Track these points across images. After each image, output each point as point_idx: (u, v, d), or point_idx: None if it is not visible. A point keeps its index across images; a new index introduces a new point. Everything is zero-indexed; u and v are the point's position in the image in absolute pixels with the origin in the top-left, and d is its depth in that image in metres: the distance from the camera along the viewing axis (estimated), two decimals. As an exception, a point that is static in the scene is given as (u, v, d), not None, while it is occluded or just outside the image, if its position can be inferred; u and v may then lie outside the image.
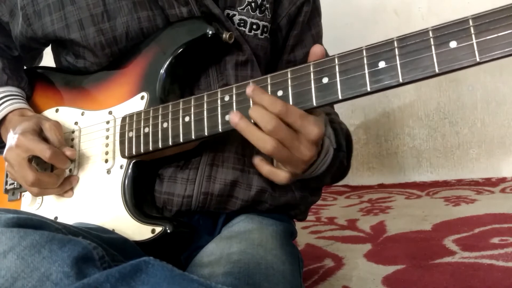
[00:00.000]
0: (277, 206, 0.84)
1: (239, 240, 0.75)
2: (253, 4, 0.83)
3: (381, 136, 2.32)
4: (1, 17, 0.92)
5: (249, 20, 0.83)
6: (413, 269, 1.04)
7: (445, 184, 2.08)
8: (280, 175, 0.67)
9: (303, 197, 0.87)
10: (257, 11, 0.83)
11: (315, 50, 0.65)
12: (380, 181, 2.30)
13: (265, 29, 0.84)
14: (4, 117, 0.87)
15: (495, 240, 1.16)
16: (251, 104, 0.66)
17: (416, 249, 1.18)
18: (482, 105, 2.12)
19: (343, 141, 0.83)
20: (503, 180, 2.00)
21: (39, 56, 1.04)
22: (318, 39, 0.93)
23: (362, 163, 2.36)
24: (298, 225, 0.98)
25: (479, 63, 0.52)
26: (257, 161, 0.70)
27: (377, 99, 2.29)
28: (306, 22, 0.90)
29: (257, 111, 0.63)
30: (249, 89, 0.65)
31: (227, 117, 0.68)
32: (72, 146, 0.85)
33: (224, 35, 0.77)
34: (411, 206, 1.75)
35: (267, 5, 0.84)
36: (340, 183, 2.36)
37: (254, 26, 0.83)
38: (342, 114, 2.56)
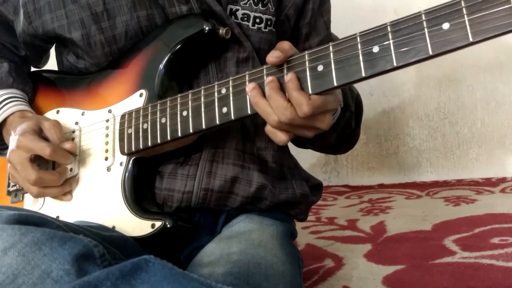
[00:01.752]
0: (277, 203, 0.84)
1: (239, 240, 0.75)
2: None
3: (381, 136, 2.32)
4: (7, 15, 0.93)
5: (252, 14, 0.83)
6: (413, 269, 1.04)
7: (445, 184, 2.08)
8: (279, 135, 0.66)
9: (303, 196, 0.88)
10: (260, 5, 0.83)
11: (269, 61, 0.65)
12: (380, 181, 2.30)
13: (269, 23, 0.84)
14: (6, 119, 0.88)
15: (495, 240, 1.16)
16: (247, 96, 0.66)
17: (416, 249, 1.18)
18: (482, 105, 2.12)
19: (351, 102, 0.83)
20: (503, 180, 2.00)
21: (46, 55, 1.04)
22: (329, 25, 0.93)
23: (362, 163, 2.37)
24: (298, 225, 0.98)
25: (472, 43, 0.52)
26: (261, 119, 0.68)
27: (377, 99, 2.29)
28: (317, 9, 0.89)
29: (276, 102, 0.63)
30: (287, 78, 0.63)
31: (224, 109, 0.68)
32: None
33: (220, 31, 0.78)
34: (411, 206, 1.75)
35: None
36: (340, 183, 2.38)
37: (257, 20, 0.83)
38: (342, 114, 2.50)
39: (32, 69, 1.03)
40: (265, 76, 0.66)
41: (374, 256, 1.17)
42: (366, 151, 2.36)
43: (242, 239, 0.76)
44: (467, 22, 0.52)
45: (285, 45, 0.67)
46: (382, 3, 2.26)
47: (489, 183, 1.96)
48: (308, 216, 0.96)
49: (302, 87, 0.63)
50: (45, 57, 1.04)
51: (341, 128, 0.80)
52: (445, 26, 0.53)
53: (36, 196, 0.83)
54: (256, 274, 0.67)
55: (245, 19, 0.83)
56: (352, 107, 0.82)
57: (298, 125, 0.64)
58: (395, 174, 2.28)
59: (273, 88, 0.64)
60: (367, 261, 1.14)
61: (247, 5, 0.83)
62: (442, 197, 1.81)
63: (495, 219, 1.37)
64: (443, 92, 2.18)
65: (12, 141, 0.80)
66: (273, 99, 0.63)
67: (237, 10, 0.83)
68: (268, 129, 0.66)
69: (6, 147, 0.89)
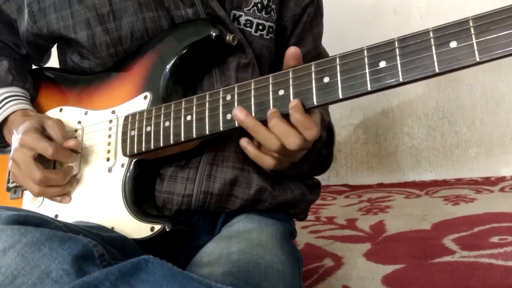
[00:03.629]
0: (277, 205, 0.84)
1: (238, 240, 0.75)
2: (259, 5, 0.84)
3: (380, 136, 2.32)
4: (10, 14, 0.92)
5: (255, 21, 0.84)
6: (412, 268, 1.05)
7: (444, 183, 2.08)
8: (267, 160, 0.69)
9: (302, 195, 0.88)
10: (263, 12, 0.84)
11: (293, 51, 0.67)
12: (379, 181, 2.30)
13: (271, 30, 0.85)
14: (7, 118, 0.87)
15: (495, 239, 1.17)
16: (252, 103, 0.66)
17: (415, 248, 1.18)
18: (481, 104, 2.12)
19: (323, 131, 0.83)
20: (502, 179, 2.00)
21: (47, 54, 1.04)
22: (317, 38, 0.94)
23: (361, 163, 2.37)
24: (298, 224, 0.98)
25: (479, 63, 0.53)
26: (245, 143, 0.71)
27: (376, 98, 2.29)
28: (309, 21, 0.91)
29: (281, 128, 0.64)
30: (292, 104, 0.64)
31: (228, 116, 0.68)
32: None
33: (227, 37, 0.78)
34: (410, 205, 1.75)
35: (273, 6, 0.85)
36: (339, 182, 2.39)
37: (260, 27, 0.84)
38: (341, 114, 2.56)
39: (34, 67, 1.03)
40: (270, 85, 0.66)
41: (373, 256, 1.17)
42: (365, 150, 2.36)
43: (241, 238, 0.76)
44: (474, 42, 0.52)
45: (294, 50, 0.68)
46: (381, 2, 2.26)
47: (488, 182, 1.97)
48: (307, 216, 0.96)
49: (307, 97, 0.63)
50: (46, 56, 1.04)
51: (313, 157, 0.81)
52: (453, 44, 0.54)
53: (37, 195, 0.82)
54: (256, 274, 0.67)
55: (248, 25, 0.83)
56: (323, 137, 0.82)
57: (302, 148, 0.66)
58: (394, 174, 2.28)
59: (276, 117, 0.64)
60: (366, 261, 1.14)
61: (251, 11, 0.83)
62: (441, 196, 1.81)
63: (494, 218, 1.37)
64: (442, 91, 2.18)
65: (15, 140, 0.79)
66: (277, 126, 0.64)
67: (241, 16, 0.83)
68: (254, 153, 0.69)
69: (7, 145, 0.89)
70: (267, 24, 0.84)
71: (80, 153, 0.84)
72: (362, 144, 2.37)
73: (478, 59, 0.52)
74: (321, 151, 0.83)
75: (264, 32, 0.84)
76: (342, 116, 2.36)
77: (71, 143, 0.80)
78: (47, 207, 0.85)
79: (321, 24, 0.95)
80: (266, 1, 0.84)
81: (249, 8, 0.83)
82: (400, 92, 2.25)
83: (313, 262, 1.15)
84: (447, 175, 2.17)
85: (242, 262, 0.69)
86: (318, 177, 0.97)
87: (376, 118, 2.32)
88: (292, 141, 0.64)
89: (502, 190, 1.82)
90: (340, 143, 2.40)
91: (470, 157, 2.14)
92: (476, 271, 0.97)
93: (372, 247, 1.25)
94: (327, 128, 0.87)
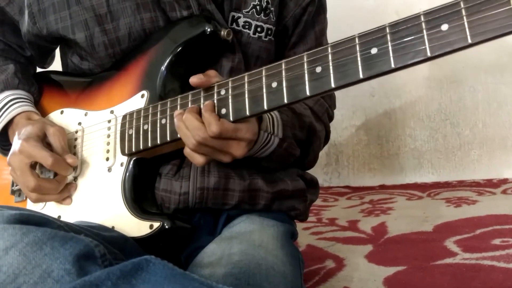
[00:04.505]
0: (274, 198, 0.84)
1: (239, 241, 0.75)
2: (258, 7, 0.84)
3: (382, 137, 2.32)
4: (13, 16, 0.93)
5: (253, 23, 0.84)
6: (414, 270, 1.04)
7: (446, 185, 2.08)
8: (196, 158, 0.71)
9: (300, 191, 0.88)
10: (262, 14, 0.84)
11: (191, 81, 0.70)
12: (381, 182, 2.30)
13: (269, 32, 0.86)
14: (13, 120, 0.88)
15: (496, 241, 1.16)
16: (246, 98, 0.67)
17: (417, 250, 1.18)
18: (483, 106, 2.12)
19: (296, 132, 0.83)
20: (504, 181, 2.00)
21: (51, 56, 1.05)
22: (320, 35, 0.94)
23: (363, 164, 2.36)
24: (299, 226, 0.98)
25: (471, 45, 0.52)
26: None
27: (378, 100, 2.29)
28: (310, 19, 0.91)
29: (191, 122, 0.68)
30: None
31: (223, 111, 0.68)
32: (75, 146, 0.86)
33: (222, 32, 0.79)
34: (412, 207, 1.75)
35: (272, 9, 0.86)
36: (341, 184, 2.39)
37: (259, 29, 0.84)
38: (343, 115, 2.55)
39: (38, 69, 1.03)
40: (263, 78, 0.66)
41: (375, 257, 1.17)
42: (367, 152, 2.36)
43: (242, 239, 0.76)
44: (466, 23, 0.51)
45: (211, 72, 0.72)
46: (383, 4, 2.26)
47: (491, 184, 1.96)
48: (308, 217, 0.96)
49: (300, 88, 0.62)
50: (50, 58, 1.05)
51: (278, 157, 0.81)
52: (444, 27, 0.53)
53: (35, 201, 0.83)
54: (257, 275, 0.67)
55: (247, 27, 0.84)
56: (290, 138, 0.82)
57: (212, 147, 0.68)
58: (396, 175, 2.28)
59: (190, 111, 0.69)
60: (368, 262, 1.14)
61: (250, 13, 0.84)
62: (443, 198, 1.81)
63: (496, 220, 1.37)
64: (445, 93, 2.18)
65: (15, 144, 0.80)
66: (188, 120, 0.68)
67: (239, 17, 0.84)
68: (186, 151, 0.71)
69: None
70: (265, 26, 0.85)
71: (79, 155, 0.84)
72: (364, 145, 2.36)
73: (470, 41, 0.51)
74: (290, 151, 0.83)
75: (263, 34, 0.85)
76: (344, 118, 2.36)
77: (69, 160, 0.81)
78: (50, 209, 0.85)
79: (324, 21, 0.95)
80: (265, 3, 0.85)
81: (248, 10, 0.84)
82: (402, 94, 2.25)
83: (314, 264, 1.15)
84: (449, 177, 2.17)
85: (243, 263, 0.69)
86: (320, 178, 0.97)
87: (378, 120, 2.32)
88: (197, 134, 0.67)
89: (504, 192, 1.82)
90: (342, 144, 2.40)
91: (472, 159, 2.14)
92: (478, 273, 0.97)
93: (373, 248, 1.25)
94: (308, 130, 0.86)
